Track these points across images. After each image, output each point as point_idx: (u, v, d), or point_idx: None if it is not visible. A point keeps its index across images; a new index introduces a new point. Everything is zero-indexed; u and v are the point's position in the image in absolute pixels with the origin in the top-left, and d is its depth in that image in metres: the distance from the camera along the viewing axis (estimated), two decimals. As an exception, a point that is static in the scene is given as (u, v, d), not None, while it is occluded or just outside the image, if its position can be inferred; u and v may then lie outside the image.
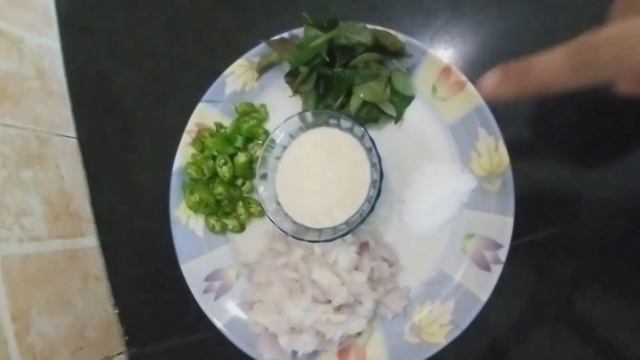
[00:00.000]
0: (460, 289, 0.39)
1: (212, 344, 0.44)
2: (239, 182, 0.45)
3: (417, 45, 0.41)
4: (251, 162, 0.44)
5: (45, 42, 0.53)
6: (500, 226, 0.38)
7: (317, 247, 0.39)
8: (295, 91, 0.44)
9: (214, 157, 0.44)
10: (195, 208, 0.44)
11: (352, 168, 0.38)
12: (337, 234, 0.37)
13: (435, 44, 0.44)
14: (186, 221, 0.45)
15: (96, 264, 0.49)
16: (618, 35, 0.19)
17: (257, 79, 0.45)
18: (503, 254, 0.37)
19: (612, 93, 0.28)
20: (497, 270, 0.37)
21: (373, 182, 0.37)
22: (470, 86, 0.39)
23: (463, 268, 0.39)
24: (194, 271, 0.44)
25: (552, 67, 0.21)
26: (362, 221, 0.36)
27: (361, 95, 0.40)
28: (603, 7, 0.41)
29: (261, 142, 0.44)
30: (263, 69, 0.45)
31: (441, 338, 0.38)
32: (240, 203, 0.44)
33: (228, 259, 0.44)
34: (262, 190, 0.39)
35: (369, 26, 0.40)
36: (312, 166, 0.40)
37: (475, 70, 0.41)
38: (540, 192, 0.40)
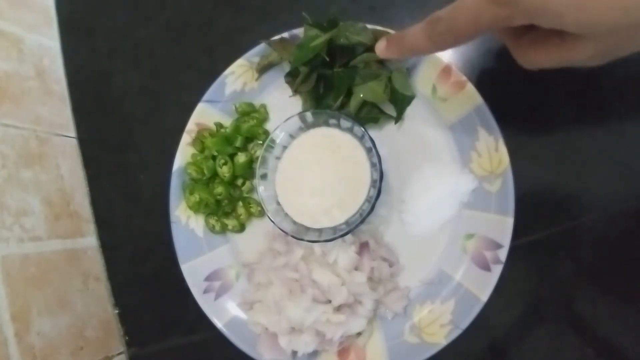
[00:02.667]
0: (460, 289, 0.39)
1: (212, 344, 0.44)
2: (239, 182, 0.45)
3: (417, 45, 0.41)
4: (251, 162, 0.44)
5: (45, 42, 0.53)
6: (500, 226, 0.38)
7: (317, 247, 0.39)
8: (295, 91, 0.43)
9: (214, 157, 0.44)
10: (195, 208, 0.44)
11: (352, 168, 0.38)
12: (337, 234, 0.37)
13: (435, 44, 0.44)
14: (186, 221, 0.45)
15: (96, 264, 0.49)
16: (450, 11, 0.25)
17: (257, 79, 0.45)
18: (503, 254, 0.37)
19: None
20: (497, 270, 0.37)
21: (373, 182, 0.37)
22: (470, 86, 0.39)
23: (463, 268, 0.39)
24: (194, 271, 0.44)
25: (415, 37, 0.27)
26: (362, 221, 0.36)
27: (361, 95, 0.40)
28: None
29: (261, 142, 0.44)
30: (263, 69, 0.45)
31: (441, 338, 0.38)
32: (240, 203, 0.44)
33: (228, 259, 0.44)
34: (262, 190, 0.39)
35: (369, 26, 0.40)
36: (312, 166, 0.40)
37: (475, 70, 0.41)
38: (540, 192, 0.40)
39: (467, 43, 0.27)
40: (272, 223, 0.38)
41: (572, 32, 0.22)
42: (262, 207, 0.39)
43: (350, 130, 0.39)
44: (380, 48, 0.30)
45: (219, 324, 0.42)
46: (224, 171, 0.44)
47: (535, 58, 0.26)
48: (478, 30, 0.24)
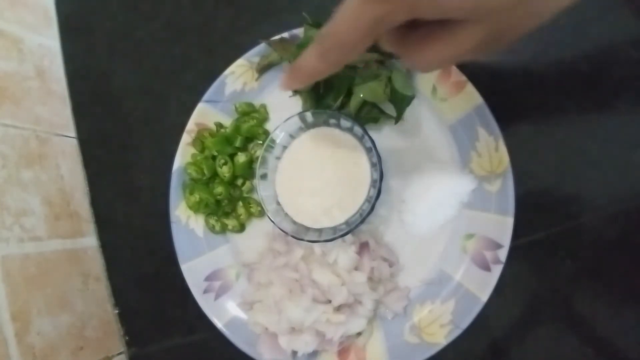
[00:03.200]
0: (460, 289, 0.39)
1: (212, 344, 0.44)
2: (239, 182, 0.45)
3: (417, 45, 0.40)
4: (251, 162, 0.44)
5: (45, 42, 0.53)
6: (500, 226, 0.38)
7: (317, 247, 0.39)
8: (295, 91, 0.43)
9: (214, 157, 0.44)
10: (195, 208, 0.44)
11: (352, 168, 0.38)
12: (337, 234, 0.37)
13: (435, 44, 0.44)
14: (186, 221, 0.45)
15: (96, 264, 0.49)
16: (332, 23, 0.23)
17: (257, 79, 0.45)
18: (503, 254, 0.37)
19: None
20: (497, 270, 0.37)
21: (373, 182, 0.37)
22: (470, 86, 0.39)
23: (463, 268, 0.39)
24: (194, 271, 0.44)
25: (309, 61, 0.26)
26: (362, 221, 0.36)
27: (361, 95, 0.40)
28: (603, 7, 0.41)
29: (261, 142, 0.44)
30: (263, 69, 0.45)
31: (441, 338, 0.38)
32: (240, 203, 0.44)
33: (228, 259, 0.44)
34: (262, 190, 0.39)
35: (369, 26, 0.40)
36: (312, 166, 0.40)
37: (475, 70, 0.41)
38: (540, 192, 0.40)
39: (360, 53, 0.24)
40: (272, 223, 0.38)
41: (457, 17, 0.21)
42: (262, 207, 0.39)
43: (350, 130, 0.39)
44: (282, 81, 0.28)
45: (219, 324, 0.42)
46: (224, 171, 0.44)
47: (425, 57, 0.23)
48: (363, 37, 0.23)
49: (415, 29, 0.23)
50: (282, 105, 0.44)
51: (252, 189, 0.45)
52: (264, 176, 0.40)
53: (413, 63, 0.24)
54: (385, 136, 0.42)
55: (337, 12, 0.22)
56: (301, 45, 0.41)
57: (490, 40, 0.21)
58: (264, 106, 0.46)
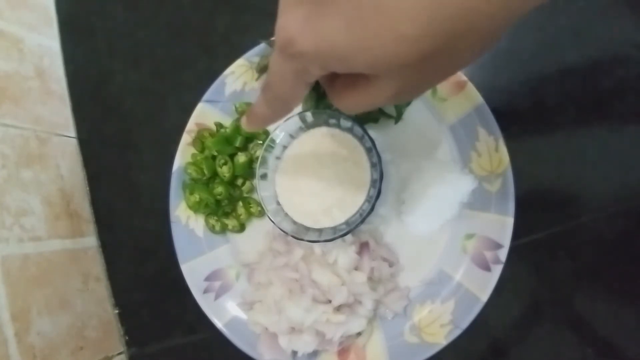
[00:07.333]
0: (460, 289, 0.39)
1: (212, 344, 0.44)
2: (239, 182, 0.45)
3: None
4: (251, 162, 0.44)
5: (45, 42, 0.53)
6: (500, 226, 0.38)
7: (317, 247, 0.39)
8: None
9: (214, 157, 0.44)
10: (195, 208, 0.44)
11: (352, 168, 0.38)
12: (337, 234, 0.37)
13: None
14: (186, 221, 0.45)
15: (96, 264, 0.49)
16: (267, 77, 0.25)
17: (257, 79, 0.45)
18: (503, 254, 0.37)
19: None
20: (497, 270, 0.37)
21: (373, 182, 0.37)
22: (470, 86, 0.39)
23: (463, 268, 0.39)
24: (194, 271, 0.44)
25: (260, 108, 0.27)
26: (362, 221, 0.36)
27: (361, 95, 0.40)
28: (603, 7, 0.41)
29: (261, 142, 0.44)
30: (263, 69, 0.45)
31: (441, 338, 0.38)
32: (240, 203, 0.44)
33: (228, 259, 0.44)
34: (262, 190, 0.39)
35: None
36: (312, 166, 0.40)
37: (475, 70, 0.41)
38: (540, 192, 0.40)
39: (299, 100, 0.26)
40: (272, 223, 0.38)
41: (367, 73, 0.21)
42: (262, 207, 0.39)
43: (350, 130, 0.39)
44: (243, 123, 0.30)
45: (219, 324, 0.42)
46: (224, 171, 0.44)
47: (344, 102, 0.25)
48: (293, 87, 0.24)
49: (339, 76, 0.24)
50: (282, 105, 0.44)
51: (252, 189, 0.45)
52: (264, 176, 0.40)
53: (337, 105, 0.26)
54: (385, 136, 0.42)
55: (270, 64, 0.24)
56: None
57: (405, 91, 0.22)
58: (264, 106, 0.46)
